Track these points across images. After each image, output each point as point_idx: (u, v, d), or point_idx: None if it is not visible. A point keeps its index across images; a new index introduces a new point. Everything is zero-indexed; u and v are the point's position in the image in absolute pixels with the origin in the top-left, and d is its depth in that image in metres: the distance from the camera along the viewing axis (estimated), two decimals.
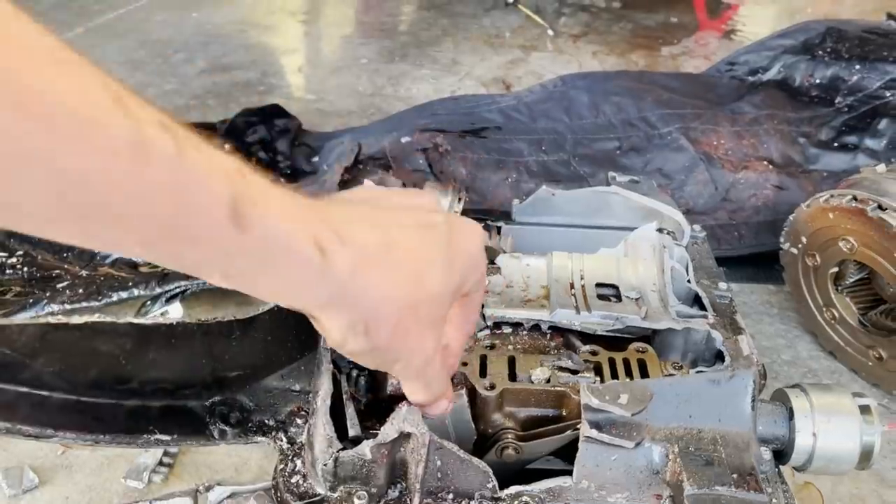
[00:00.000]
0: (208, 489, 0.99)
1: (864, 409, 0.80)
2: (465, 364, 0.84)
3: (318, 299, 0.53)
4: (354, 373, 0.82)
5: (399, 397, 0.73)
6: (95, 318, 0.66)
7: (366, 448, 0.72)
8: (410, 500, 0.73)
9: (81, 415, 0.70)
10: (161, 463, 1.05)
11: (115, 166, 0.41)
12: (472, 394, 0.81)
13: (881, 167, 1.22)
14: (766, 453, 0.79)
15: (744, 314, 0.97)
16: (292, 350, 0.82)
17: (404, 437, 0.73)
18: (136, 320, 0.69)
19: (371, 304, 0.55)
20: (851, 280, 1.28)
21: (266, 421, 0.83)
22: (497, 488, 0.73)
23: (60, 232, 0.43)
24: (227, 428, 0.81)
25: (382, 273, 0.56)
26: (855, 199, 1.17)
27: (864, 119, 1.86)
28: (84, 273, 1.41)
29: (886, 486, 1.10)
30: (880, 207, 1.13)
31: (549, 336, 0.93)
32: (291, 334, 0.80)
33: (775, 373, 1.30)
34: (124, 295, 1.32)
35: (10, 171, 0.38)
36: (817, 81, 2.02)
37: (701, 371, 0.88)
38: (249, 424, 0.83)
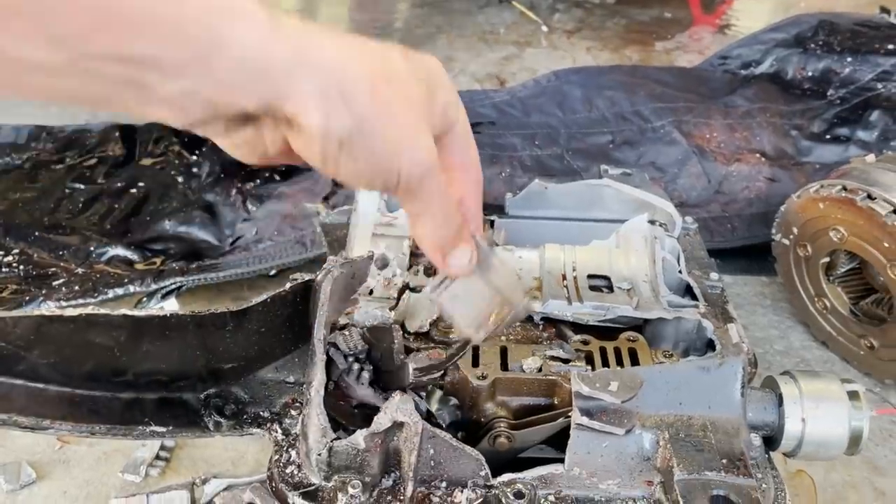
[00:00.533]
0: (205, 482, 1.00)
1: (853, 395, 0.81)
2: None
3: (281, 65, 0.47)
4: (356, 366, 0.83)
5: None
6: (89, 309, 0.66)
7: (359, 438, 0.73)
8: (404, 488, 0.74)
9: (77, 407, 0.70)
10: (158, 457, 1.06)
11: None
12: (465, 384, 0.82)
13: (871, 157, 1.23)
14: (756, 439, 0.80)
15: (737, 305, 0.98)
16: (286, 342, 0.82)
17: (398, 426, 0.74)
18: (130, 312, 0.69)
19: (336, 65, 0.49)
20: (842, 270, 1.29)
21: (261, 413, 0.83)
22: (490, 476, 0.74)
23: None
24: (222, 420, 0.82)
25: (338, 43, 0.50)
26: (845, 188, 1.18)
27: (855, 111, 1.87)
28: (80, 270, 1.41)
29: (878, 474, 1.11)
30: (869, 197, 1.14)
31: (541, 327, 0.94)
32: (285, 326, 0.80)
33: (768, 363, 1.30)
34: (120, 292, 1.33)
35: None
36: (809, 74, 2.03)
37: (691, 360, 0.88)
38: (244, 416, 0.83)
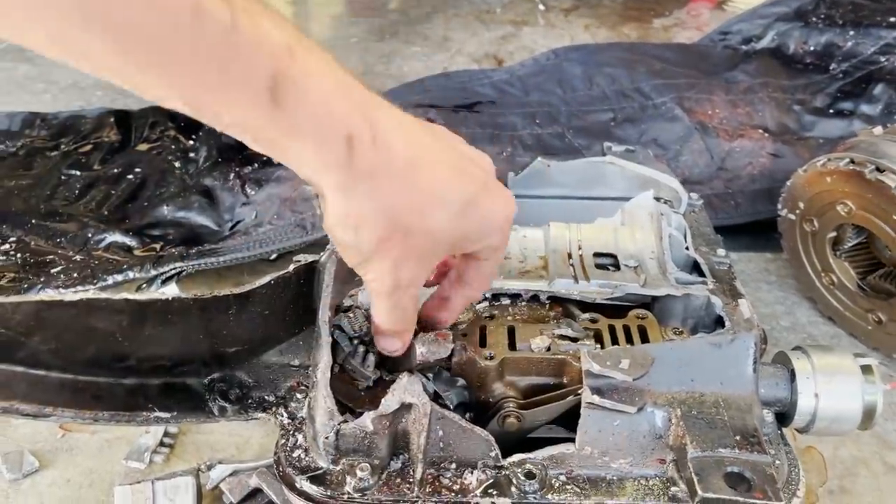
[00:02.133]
0: (210, 468, 0.99)
1: (866, 369, 0.80)
2: (464, 335, 0.84)
3: (329, 183, 0.56)
4: (361, 349, 0.82)
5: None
6: (90, 294, 0.65)
7: (367, 420, 0.72)
8: (413, 470, 0.73)
9: (80, 393, 0.69)
10: (162, 444, 1.05)
11: (172, 23, 0.45)
12: (472, 364, 0.81)
13: (878, 129, 1.21)
14: (769, 416, 0.79)
15: (742, 282, 0.97)
16: (290, 325, 0.81)
17: (406, 407, 0.73)
18: (131, 296, 0.68)
19: (370, 209, 0.58)
20: (850, 244, 1.27)
21: (266, 397, 0.82)
22: (500, 456, 0.73)
23: (116, 76, 0.48)
24: (226, 405, 0.81)
25: (393, 188, 0.58)
26: (852, 161, 1.16)
27: (859, 85, 1.85)
28: (78, 257, 1.40)
29: (889, 448, 1.10)
30: (878, 169, 1.12)
31: (547, 306, 0.93)
32: (289, 309, 0.79)
33: (775, 339, 1.30)
34: (119, 278, 1.31)
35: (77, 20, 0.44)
36: (811, 48, 2.00)
37: (702, 336, 0.87)
38: (249, 401, 0.82)
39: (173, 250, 1.38)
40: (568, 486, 0.72)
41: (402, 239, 0.60)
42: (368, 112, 0.56)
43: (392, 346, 0.74)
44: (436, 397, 0.81)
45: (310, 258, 0.77)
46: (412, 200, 0.59)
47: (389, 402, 0.72)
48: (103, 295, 0.67)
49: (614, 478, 0.73)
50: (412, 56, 2.61)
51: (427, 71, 2.35)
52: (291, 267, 0.76)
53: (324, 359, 0.74)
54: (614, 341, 0.84)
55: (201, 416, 0.79)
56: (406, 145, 0.58)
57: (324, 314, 0.74)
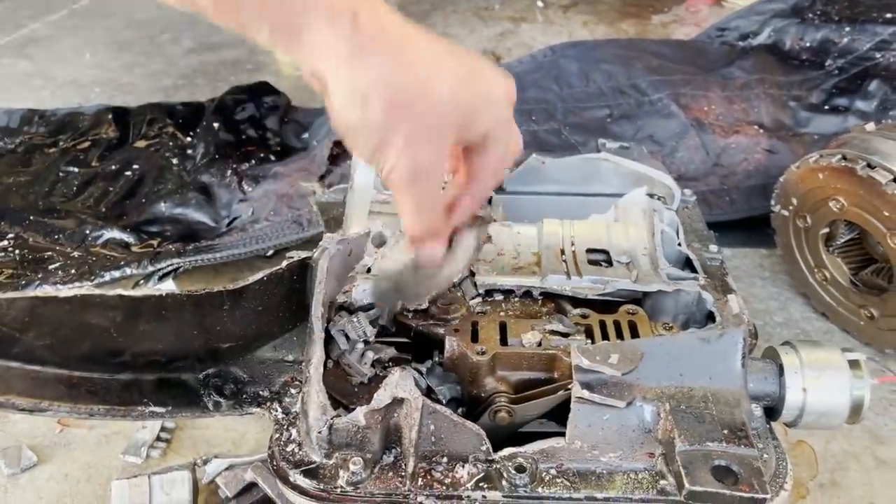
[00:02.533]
0: (206, 462, 1.00)
1: (854, 364, 0.80)
2: (456, 330, 0.85)
3: (337, 59, 0.59)
4: (360, 346, 0.83)
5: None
6: (84, 290, 0.66)
7: (360, 414, 0.73)
8: (405, 464, 0.74)
9: (75, 388, 0.70)
10: (159, 438, 1.06)
11: None
12: (464, 359, 0.81)
13: (870, 126, 1.22)
14: (758, 410, 0.80)
15: (736, 278, 0.97)
16: (284, 320, 0.82)
17: (398, 402, 0.74)
18: (125, 292, 0.69)
19: (375, 77, 0.59)
20: (842, 240, 1.28)
21: (260, 392, 0.83)
22: (491, 450, 0.74)
23: None
24: (221, 400, 0.81)
25: (395, 58, 0.60)
26: (844, 158, 1.17)
27: (854, 81, 1.86)
28: (76, 254, 1.40)
29: (879, 443, 1.11)
30: (869, 166, 1.13)
31: (540, 302, 0.94)
32: (282, 305, 0.80)
33: (768, 335, 1.30)
34: (116, 274, 1.32)
35: None
36: (807, 45, 2.01)
37: (692, 331, 0.88)
38: (244, 396, 0.83)
39: (170, 247, 1.39)
40: (558, 480, 0.73)
41: (410, 109, 0.61)
42: None
43: (433, 251, 0.71)
44: (428, 392, 0.82)
45: (302, 255, 0.78)
46: (414, 69, 0.61)
47: (381, 397, 0.73)
48: (97, 291, 0.68)
49: (604, 471, 0.74)
50: None
51: None
52: (284, 263, 0.76)
53: (316, 354, 0.75)
54: (605, 336, 0.84)
55: (196, 411, 0.80)
56: (403, 25, 0.62)
57: (316, 310, 0.75)
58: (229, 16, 0.59)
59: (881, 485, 1.04)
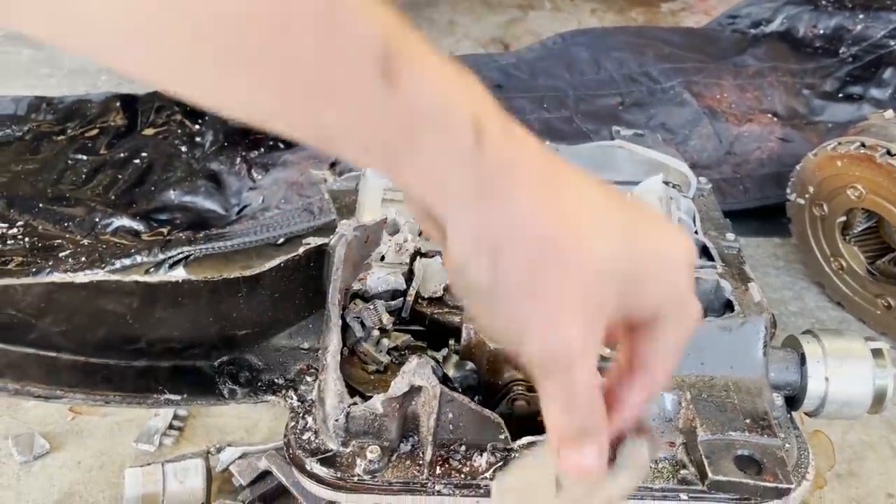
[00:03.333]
0: (219, 450, 1.00)
1: (877, 353, 0.80)
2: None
3: (460, 190, 0.42)
4: (376, 333, 0.82)
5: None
6: (100, 276, 0.65)
7: (377, 402, 0.72)
8: (423, 452, 0.73)
9: (90, 375, 0.69)
10: (171, 426, 1.05)
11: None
12: (482, 347, 0.81)
13: (889, 113, 1.20)
14: (779, 399, 0.79)
15: (751, 267, 0.96)
16: (300, 308, 0.81)
17: (415, 390, 0.73)
18: (141, 278, 0.68)
19: (512, 221, 0.43)
20: (859, 229, 1.27)
21: (275, 380, 0.82)
22: (509, 439, 0.73)
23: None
24: (236, 387, 0.81)
25: (538, 195, 0.43)
26: (863, 145, 1.15)
27: (868, 69, 1.84)
28: (86, 241, 1.40)
29: None
30: (889, 153, 1.11)
31: None
32: (298, 292, 0.79)
33: (783, 324, 1.29)
34: (127, 262, 1.31)
35: None
36: (821, 32, 1.99)
37: (712, 320, 0.87)
38: (259, 384, 0.82)
39: (181, 234, 1.38)
40: None
41: (558, 269, 0.44)
42: (484, 94, 0.43)
43: (588, 458, 0.48)
44: (445, 380, 0.81)
45: (319, 241, 0.77)
46: (565, 217, 0.44)
47: (399, 385, 0.72)
48: (113, 277, 0.67)
49: None
50: None
51: None
52: (301, 250, 0.76)
53: (333, 342, 0.74)
54: None
55: (211, 399, 0.79)
56: (540, 148, 0.45)
57: (333, 297, 0.74)
58: (305, 122, 0.41)
59: None
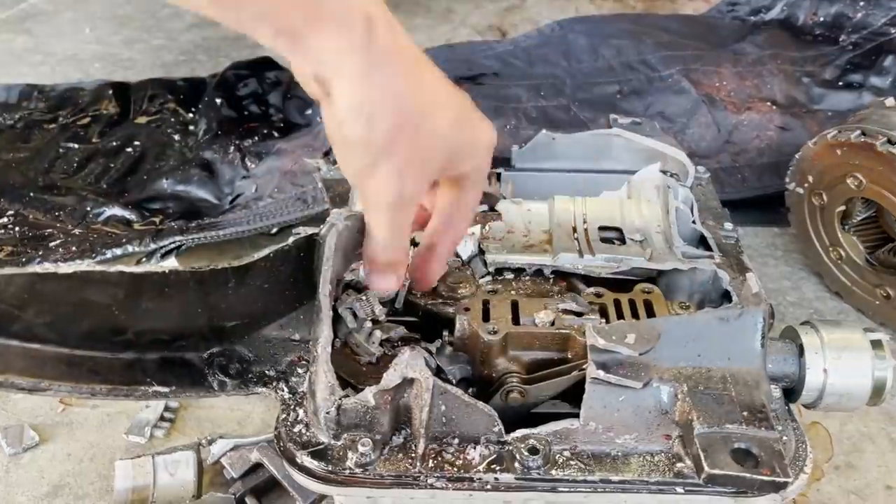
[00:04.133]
0: (211, 442, 0.99)
1: (876, 344, 0.78)
2: (466, 309, 0.83)
3: (347, 68, 0.57)
4: (368, 324, 0.81)
5: None
6: (84, 266, 0.63)
7: (369, 395, 0.71)
8: (415, 445, 0.72)
9: (76, 367, 0.68)
10: (162, 418, 1.04)
11: None
12: (475, 339, 0.79)
13: (890, 101, 1.19)
14: (776, 391, 0.78)
15: (749, 257, 0.95)
16: (290, 299, 0.80)
17: (408, 382, 0.72)
18: (126, 269, 0.66)
19: (386, 95, 0.58)
20: (859, 218, 1.26)
21: (266, 371, 0.81)
22: (503, 432, 0.72)
23: None
24: (226, 379, 0.79)
25: (407, 79, 0.59)
26: (863, 133, 1.14)
27: (869, 57, 1.82)
28: (77, 231, 1.38)
29: (895, 424, 1.09)
30: (889, 142, 1.10)
31: (552, 281, 0.91)
32: (289, 282, 0.78)
33: (781, 314, 1.28)
34: (118, 252, 1.30)
35: None
36: (821, 19, 1.97)
37: (710, 311, 0.86)
38: (249, 375, 0.81)
39: (173, 224, 1.37)
40: (572, 462, 0.71)
41: (411, 136, 0.60)
42: (379, 1, 0.58)
43: (387, 283, 0.74)
44: (438, 372, 0.80)
45: (309, 231, 0.75)
46: (422, 95, 0.60)
47: (391, 377, 0.71)
48: (98, 267, 0.65)
49: (619, 453, 0.72)
50: (415, 28, 2.58)
51: (430, 43, 2.32)
52: (291, 240, 0.74)
53: (324, 333, 0.73)
54: (619, 316, 0.82)
55: (200, 391, 0.78)
56: (411, 43, 0.61)
57: (324, 288, 0.73)
58: (229, 15, 0.56)
59: None
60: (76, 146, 1.68)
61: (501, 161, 1.15)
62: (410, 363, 0.71)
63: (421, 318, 0.87)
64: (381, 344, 0.83)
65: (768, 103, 1.73)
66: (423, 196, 0.67)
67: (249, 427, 1.04)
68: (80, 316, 0.67)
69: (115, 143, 1.67)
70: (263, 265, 0.74)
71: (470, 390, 0.80)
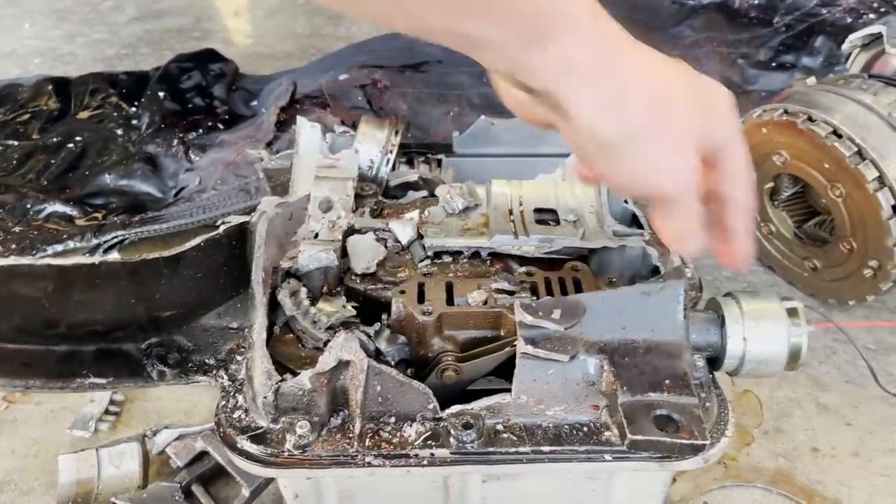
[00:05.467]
0: (155, 433, 0.99)
1: (792, 312, 0.82)
2: (402, 292, 0.84)
3: (584, 65, 0.53)
4: (313, 310, 0.82)
5: None
6: (10, 260, 0.64)
7: (305, 378, 0.72)
8: (353, 426, 0.74)
9: (8, 361, 0.68)
10: (108, 412, 1.04)
11: None
12: (411, 320, 0.81)
13: (811, 80, 1.23)
14: (700, 360, 0.81)
15: None
16: (226, 287, 0.81)
17: (343, 365, 0.73)
18: (54, 261, 0.67)
19: (626, 83, 0.55)
20: (786, 194, 1.30)
21: (206, 360, 0.82)
22: (438, 409, 0.74)
23: None
24: (165, 369, 0.80)
25: (639, 59, 0.56)
26: (786, 112, 1.18)
27: (800, 37, 1.88)
28: (17, 229, 1.37)
29: (821, 389, 1.14)
30: (810, 119, 1.14)
31: (489, 262, 0.93)
32: (222, 271, 0.79)
33: (716, 289, 1.32)
34: (59, 248, 1.29)
35: None
36: (755, 2, 2.02)
37: (634, 286, 0.89)
38: (189, 365, 0.82)
39: (115, 219, 1.36)
40: (505, 435, 0.74)
41: (667, 112, 0.56)
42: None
43: (689, 245, 0.65)
44: (377, 354, 0.81)
45: (240, 219, 0.76)
46: (658, 73, 0.57)
47: (327, 360, 0.72)
48: (25, 261, 0.66)
49: (550, 425, 0.75)
50: None
51: (376, 31, 2.32)
52: (221, 228, 0.75)
53: (258, 320, 0.74)
54: (549, 293, 0.85)
55: (139, 381, 0.78)
56: (619, 25, 0.58)
57: (257, 275, 0.74)
58: (456, 40, 0.53)
59: (822, 429, 1.08)
60: (16, 143, 1.66)
61: (443, 147, 1.17)
62: (345, 346, 0.73)
63: (361, 303, 0.89)
64: (326, 329, 0.84)
65: None
66: (694, 173, 0.60)
67: (196, 417, 1.05)
68: (9, 310, 0.67)
69: (55, 139, 1.65)
70: (195, 254, 0.74)
71: (409, 371, 0.82)
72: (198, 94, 1.80)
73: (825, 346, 1.21)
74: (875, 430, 1.07)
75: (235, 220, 0.76)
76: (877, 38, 1.26)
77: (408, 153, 1.17)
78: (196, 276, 0.76)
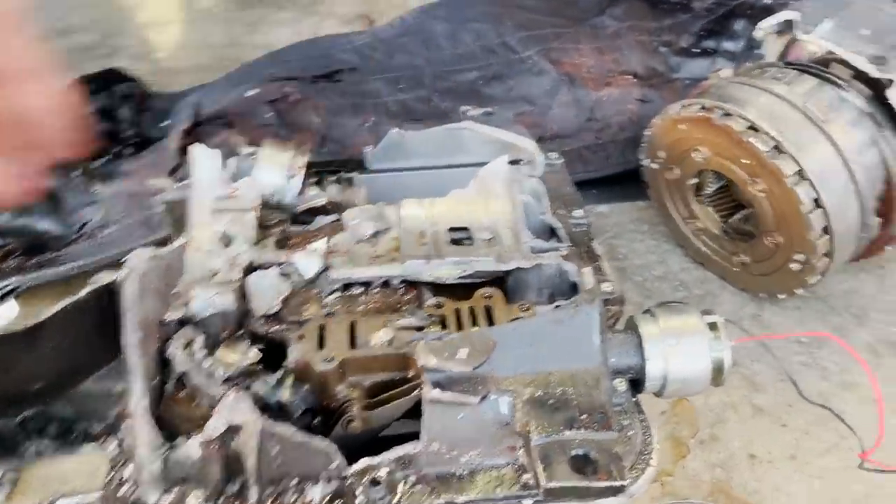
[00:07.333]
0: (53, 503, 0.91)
1: (713, 327, 0.79)
2: (301, 337, 0.79)
3: None
4: (207, 362, 0.75)
5: None
6: None
7: (194, 446, 0.66)
8: (249, 493, 0.68)
9: None
10: (4, 479, 0.96)
11: None
12: (310, 369, 0.75)
13: (726, 72, 1.21)
14: (622, 385, 0.77)
15: (617, 234, 0.94)
16: (101, 351, 0.74)
17: (234, 428, 0.67)
18: None
19: None
20: (711, 189, 1.28)
21: (90, 429, 0.75)
22: (344, 465, 0.68)
23: None
24: (45, 441, 0.73)
25: None
26: (703, 107, 1.15)
27: (721, 22, 1.86)
28: None
29: (756, 391, 1.12)
30: (726, 114, 1.11)
31: (402, 291, 0.88)
32: (95, 334, 0.72)
33: (648, 290, 1.29)
34: None
35: None
36: None
37: (559, 306, 0.84)
38: (72, 434, 0.75)
39: (10, 262, 1.26)
40: (417, 487, 0.69)
41: None
42: None
43: None
44: (280, 407, 0.76)
45: (106, 279, 0.69)
46: None
47: (216, 425, 0.67)
48: None
49: (465, 472, 0.70)
50: (280, 23, 2.48)
51: (295, 37, 2.23)
52: (85, 290, 0.68)
53: (137, 388, 0.68)
54: (460, 325, 0.80)
55: (14, 461, 0.71)
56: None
57: (130, 337, 0.67)
58: None
59: (758, 433, 1.05)
60: None
61: (356, 164, 1.11)
62: (234, 407, 0.67)
63: (267, 346, 0.83)
64: (224, 382, 0.78)
65: (628, 76, 1.74)
66: None
67: (100, 478, 0.97)
68: None
69: None
70: (59, 322, 0.67)
71: (316, 420, 0.77)
72: (102, 118, 1.69)
73: (759, 343, 1.18)
74: (811, 430, 1.05)
75: (103, 278, 0.69)
76: (790, 24, 1.23)
77: (319, 172, 1.10)
78: (62, 344, 0.69)
